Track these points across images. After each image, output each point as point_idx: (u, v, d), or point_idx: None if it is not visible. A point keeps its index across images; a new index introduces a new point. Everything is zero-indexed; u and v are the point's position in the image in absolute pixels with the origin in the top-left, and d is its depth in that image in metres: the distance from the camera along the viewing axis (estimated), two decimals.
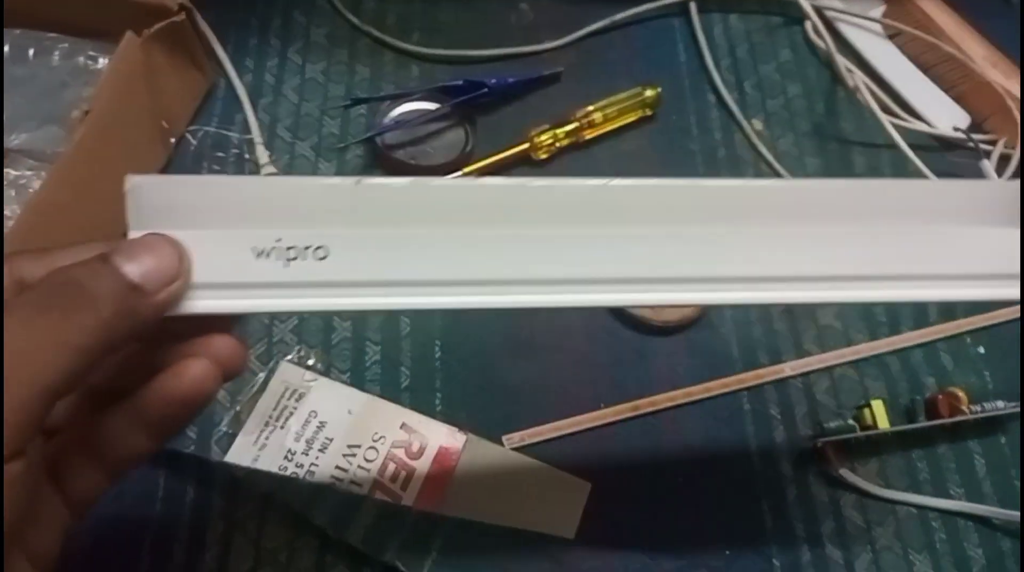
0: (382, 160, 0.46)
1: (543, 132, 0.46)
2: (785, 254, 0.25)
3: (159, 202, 0.23)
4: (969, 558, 0.38)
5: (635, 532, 0.37)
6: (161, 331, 0.23)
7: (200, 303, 0.23)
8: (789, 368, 0.41)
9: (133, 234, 0.23)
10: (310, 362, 0.40)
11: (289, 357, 0.40)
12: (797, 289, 0.25)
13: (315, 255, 0.23)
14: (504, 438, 0.39)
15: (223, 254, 0.23)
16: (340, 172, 0.46)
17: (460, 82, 0.47)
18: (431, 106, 0.47)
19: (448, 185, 0.24)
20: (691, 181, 0.24)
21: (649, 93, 0.48)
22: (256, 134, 0.46)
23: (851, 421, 0.39)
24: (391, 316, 0.42)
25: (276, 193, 0.23)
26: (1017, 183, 0.26)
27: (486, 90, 0.47)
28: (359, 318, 0.41)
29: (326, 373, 0.40)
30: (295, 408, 0.39)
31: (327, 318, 0.41)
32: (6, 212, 0.40)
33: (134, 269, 0.21)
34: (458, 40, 0.51)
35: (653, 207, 0.24)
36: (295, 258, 0.23)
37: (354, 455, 0.38)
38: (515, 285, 0.24)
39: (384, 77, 0.49)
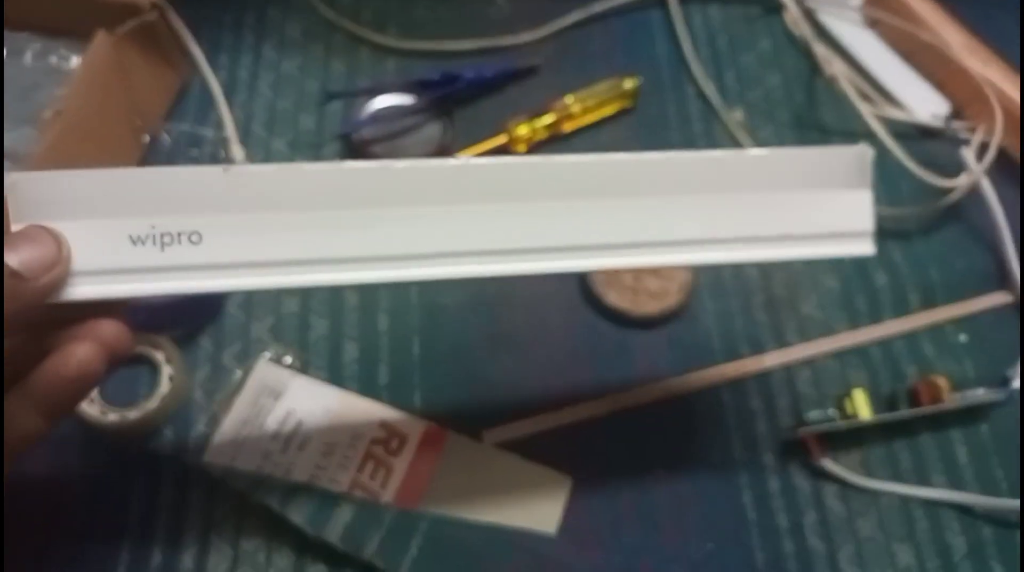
0: (358, 155, 0.45)
1: (521, 124, 0.46)
2: (667, 220, 0.27)
3: (39, 196, 0.24)
4: (951, 546, 0.38)
5: (617, 526, 0.37)
6: (49, 319, 0.24)
7: (80, 290, 0.25)
8: (770, 359, 0.41)
9: (15, 227, 0.24)
10: (287, 360, 0.40)
11: (266, 355, 0.40)
12: (661, 253, 0.27)
13: (189, 240, 0.25)
14: (484, 433, 0.39)
15: (101, 242, 0.25)
16: None
17: (437, 76, 0.47)
18: (407, 100, 0.47)
19: (314, 169, 0.25)
20: (540, 158, 0.27)
21: (628, 84, 0.48)
22: (231, 131, 0.46)
23: (832, 411, 0.39)
24: (368, 314, 0.41)
25: (150, 182, 0.25)
26: (863, 146, 0.28)
27: (463, 83, 0.47)
28: (337, 315, 0.41)
29: (303, 371, 0.40)
30: (272, 407, 0.38)
31: (303, 316, 0.41)
32: None
33: (14, 258, 0.23)
34: (435, 34, 0.50)
35: (502, 183, 0.26)
36: (170, 243, 0.25)
37: (332, 453, 0.38)
38: (372, 261, 0.26)
39: (360, 72, 0.49)
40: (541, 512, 0.37)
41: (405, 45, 0.50)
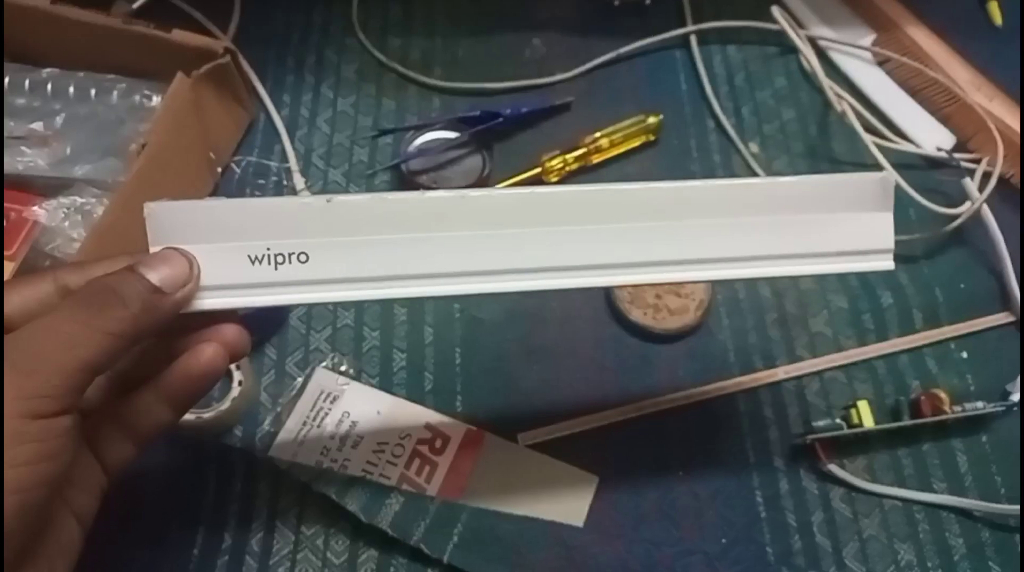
0: (407, 185, 0.50)
1: (554, 158, 0.50)
2: (707, 240, 0.31)
3: (172, 223, 0.29)
4: (951, 547, 0.41)
5: (639, 521, 0.41)
6: (178, 326, 0.28)
7: (208, 301, 0.29)
8: (782, 372, 0.45)
9: (153, 249, 0.28)
10: (343, 368, 0.44)
11: (324, 364, 0.44)
12: (706, 269, 0.31)
13: (299, 259, 0.29)
14: (519, 436, 0.43)
15: (225, 262, 0.29)
16: None
17: (478, 112, 0.51)
18: (451, 135, 0.51)
19: (400, 198, 0.29)
20: (597, 186, 0.30)
21: (652, 120, 0.52)
22: (293, 162, 0.51)
23: (839, 420, 0.42)
24: (415, 326, 0.46)
25: (265, 211, 0.29)
26: (886, 173, 0.32)
27: (501, 119, 0.51)
28: (387, 328, 0.46)
29: (357, 378, 0.44)
30: (330, 409, 0.43)
31: (358, 328, 0.45)
32: (73, 234, 0.45)
33: (155, 276, 0.27)
34: (476, 73, 0.55)
35: (587, 208, 0.30)
36: (283, 262, 0.29)
37: (383, 451, 0.42)
38: (463, 277, 0.30)
39: (408, 109, 0.54)
40: (570, 507, 0.41)
41: (449, 84, 0.55)
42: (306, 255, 0.29)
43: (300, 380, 0.44)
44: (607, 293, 0.47)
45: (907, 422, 0.42)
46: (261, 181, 0.50)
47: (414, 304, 0.47)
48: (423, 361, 0.45)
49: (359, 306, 0.46)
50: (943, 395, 0.43)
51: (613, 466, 0.42)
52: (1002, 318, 0.47)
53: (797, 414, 0.44)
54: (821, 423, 0.42)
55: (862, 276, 0.48)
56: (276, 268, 0.29)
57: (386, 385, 0.44)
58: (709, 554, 0.40)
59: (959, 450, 0.43)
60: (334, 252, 0.29)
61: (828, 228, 0.31)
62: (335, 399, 0.43)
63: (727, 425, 0.43)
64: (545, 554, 0.39)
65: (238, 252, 0.29)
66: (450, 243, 0.29)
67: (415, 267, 0.29)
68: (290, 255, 0.29)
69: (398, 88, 0.55)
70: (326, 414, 0.43)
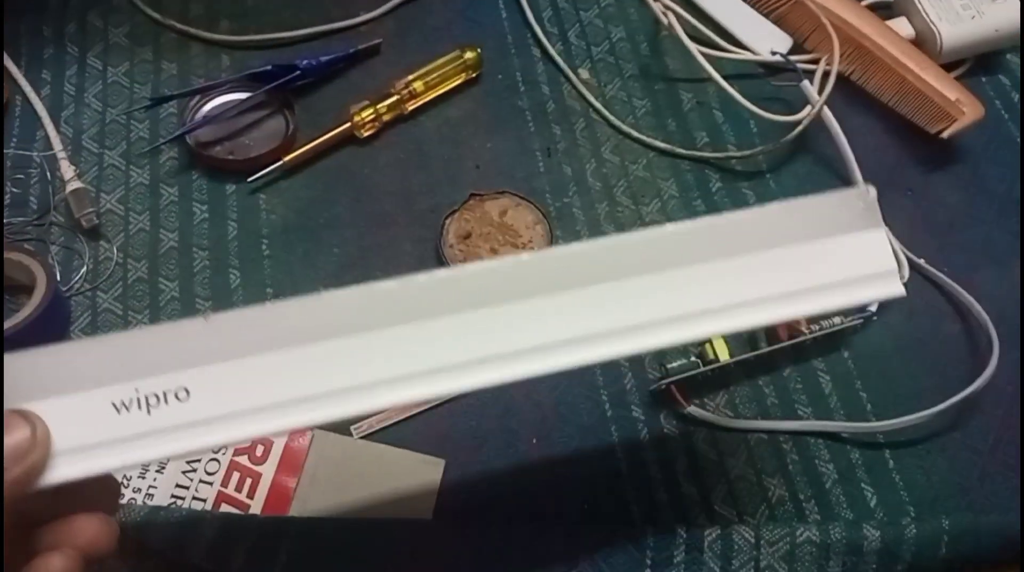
0: (198, 159, 0.44)
1: (364, 109, 0.45)
2: (673, 296, 0.26)
3: (15, 376, 0.23)
4: (821, 474, 0.38)
5: (492, 500, 0.37)
6: (35, 513, 0.24)
7: (63, 471, 0.23)
8: None
9: None
10: None
11: None
12: (694, 326, 0.26)
13: (176, 398, 0.24)
14: (352, 428, 0.38)
15: (84, 415, 0.23)
16: (154, 178, 0.43)
17: (270, 67, 0.45)
18: (244, 96, 0.45)
19: (293, 305, 0.24)
20: (533, 255, 0.25)
21: (469, 55, 0.47)
22: (59, 149, 0.43)
23: (695, 358, 0.39)
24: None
25: (129, 345, 0.24)
26: (862, 187, 0.27)
27: (299, 72, 0.45)
28: None
29: None
30: None
31: None
32: None
33: None
34: (269, 23, 0.49)
35: (505, 285, 0.25)
36: (156, 405, 0.24)
37: (194, 470, 0.37)
38: (365, 389, 0.24)
39: (193, 71, 0.47)
40: (416, 499, 0.37)
41: (238, 38, 0.48)
42: (186, 391, 0.24)
43: None
44: (437, 254, 0.42)
45: (764, 349, 0.40)
46: (20, 176, 0.43)
47: (219, 292, 0.41)
48: None
49: (155, 306, 0.40)
50: None
51: (460, 446, 0.38)
52: None
53: (652, 357, 0.41)
54: (675, 364, 0.39)
55: (707, 199, 0.45)
56: (149, 413, 0.24)
57: None
58: (569, 523, 0.36)
59: (821, 371, 0.41)
60: (221, 381, 0.24)
61: (819, 257, 0.27)
62: None
63: (579, 380, 0.40)
64: (389, 558, 0.35)
65: (99, 400, 0.23)
66: (363, 348, 0.24)
67: (318, 384, 0.24)
68: (165, 394, 0.24)
69: (179, 48, 0.48)
70: None
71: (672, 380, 0.39)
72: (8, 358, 0.23)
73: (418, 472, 0.38)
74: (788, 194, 0.45)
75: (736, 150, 0.46)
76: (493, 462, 0.38)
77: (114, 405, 0.23)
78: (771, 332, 0.40)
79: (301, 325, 0.24)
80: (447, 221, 0.43)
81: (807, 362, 0.41)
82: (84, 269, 0.41)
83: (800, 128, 0.45)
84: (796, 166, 0.47)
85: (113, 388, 0.23)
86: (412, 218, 0.43)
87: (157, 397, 0.24)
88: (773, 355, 0.40)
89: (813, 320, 0.41)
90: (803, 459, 0.39)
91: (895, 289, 0.27)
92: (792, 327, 0.40)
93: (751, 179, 0.46)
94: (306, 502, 0.36)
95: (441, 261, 0.42)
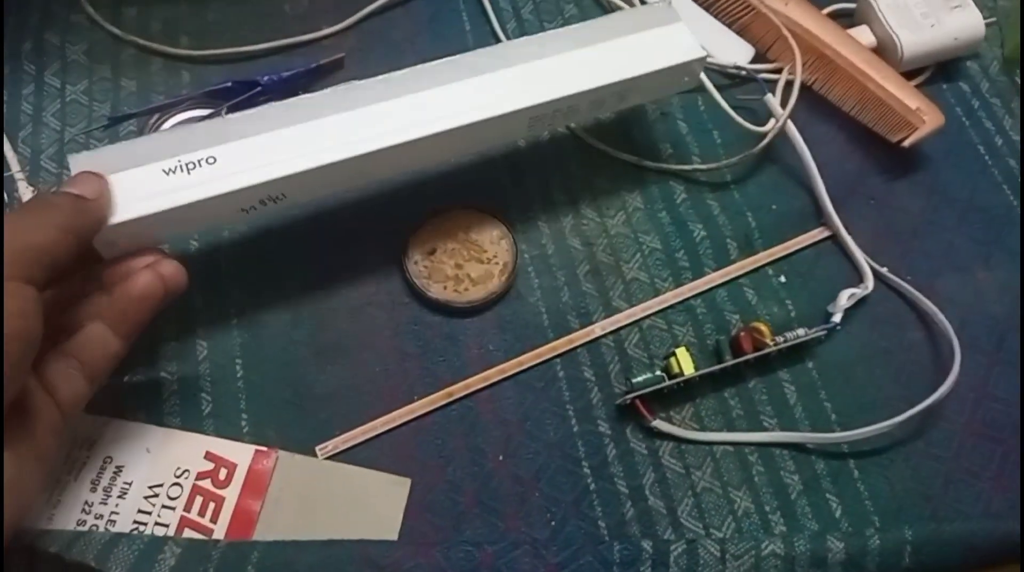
0: None
1: None
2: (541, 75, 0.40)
3: (91, 164, 0.35)
4: (787, 485, 0.39)
5: (458, 520, 0.37)
6: (118, 252, 0.35)
7: (134, 207, 0.34)
8: (599, 328, 0.42)
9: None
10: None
11: None
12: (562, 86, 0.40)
13: (208, 162, 0.35)
14: (317, 449, 0.38)
15: (143, 178, 0.35)
16: None
17: (229, 83, 0.45)
18: (204, 113, 0.45)
19: (282, 105, 0.38)
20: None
21: None
22: (16, 170, 0.43)
23: (660, 372, 0.39)
24: (185, 341, 0.40)
25: (171, 137, 0.37)
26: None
27: (260, 87, 0.45)
28: (150, 349, 0.39)
29: (119, 414, 0.38)
30: (87, 457, 0.37)
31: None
32: None
33: (72, 189, 0.33)
34: (230, 38, 0.48)
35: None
36: (194, 168, 0.35)
37: (156, 495, 0.36)
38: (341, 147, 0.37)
39: (154, 87, 0.47)
40: (382, 519, 0.37)
41: (199, 53, 0.48)
42: (213, 158, 0.35)
43: None
44: (401, 271, 0.42)
45: (728, 362, 0.40)
46: None
47: (182, 315, 0.40)
48: (197, 381, 0.39)
49: None
50: (763, 328, 0.41)
51: (426, 464, 0.38)
52: (817, 234, 0.45)
53: (619, 371, 0.41)
54: (640, 378, 0.39)
55: (672, 210, 0.45)
56: (189, 174, 0.35)
57: (155, 417, 0.38)
58: (536, 541, 0.36)
59: (786, 381, 0.41)
60: (238, 151, 0.36)
61: (638, 45, 0.41)
62: (92, 444, 0.37)
63: (546, 395, 0.40)
64: None
65: (154, 169, 0.35)
66: (328, 126, 0.37)
67: (305, 148, 0.36)
68: (199, 161, 0.35)
69: (139, 65, 0.47)
70: (83, 464, 0.36)
71: (637, 394, 0.39)
72: (88, 154, 0.36)
73: (384, 492, 0.37)
74: (752, 204, 0.46)
75: (700, 161, 0.46)
76: (460, 480, 0.38)
77: (163, 171, 0.35)
78: (736, 346, 0.40)
79: (285, 115, 0.37)
80: (410, 238, 0.42)
81: (772, 374, 0.41)
82: None
83: (765, 142, 0.45)
84: (760, 176, 0.47)
85: (163, 162, 0.35)
86: (375, 235, 0.43)
87: (192, 164, 0.35)
88: (738, 368, 0.40)
89: (777, 332, 0.41)
90: (768, 470, 0.39)
91: (696, 52, 0.41)
92: (756, 340, 0.40)
93: (715, 191, 0.46)
94: (271, 525, 0.36)
95: (405, 277, 0.42)
